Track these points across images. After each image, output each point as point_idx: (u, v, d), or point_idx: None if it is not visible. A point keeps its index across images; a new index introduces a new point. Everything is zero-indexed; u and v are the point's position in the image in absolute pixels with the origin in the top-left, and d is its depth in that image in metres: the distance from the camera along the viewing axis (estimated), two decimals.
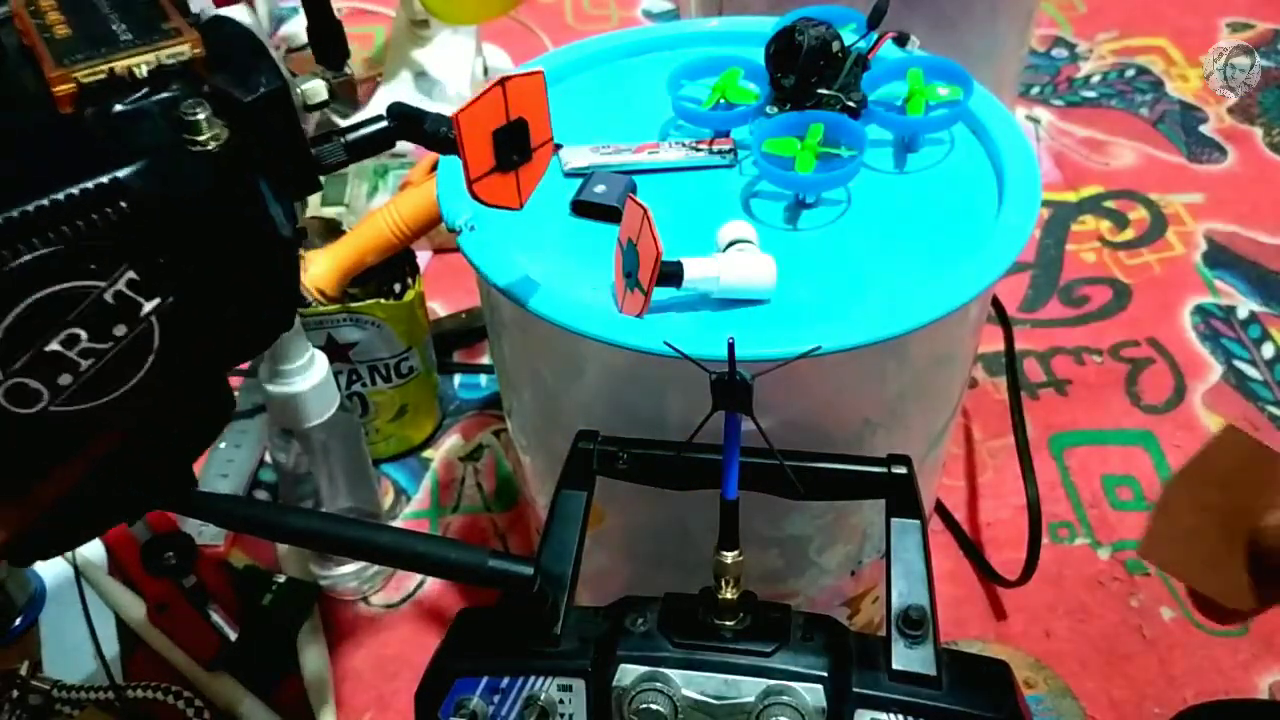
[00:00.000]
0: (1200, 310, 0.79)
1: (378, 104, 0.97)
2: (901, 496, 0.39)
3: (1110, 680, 0.58)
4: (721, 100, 0.49)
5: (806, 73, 0.47)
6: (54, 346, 0.29)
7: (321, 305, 0.63)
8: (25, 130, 0.31)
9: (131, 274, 0.29)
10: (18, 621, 0.63)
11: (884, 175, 0.48)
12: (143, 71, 0.32)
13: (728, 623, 0.37)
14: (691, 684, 0.36)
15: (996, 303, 0.71)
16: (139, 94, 0.32)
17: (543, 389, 0.48)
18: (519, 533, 0.67)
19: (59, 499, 0.32)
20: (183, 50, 0.33)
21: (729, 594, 0.37)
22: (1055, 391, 0.74)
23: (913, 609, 0.37)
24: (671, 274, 0.40)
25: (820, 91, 0.47)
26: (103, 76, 0.31)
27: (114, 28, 0.33)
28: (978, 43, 0.68)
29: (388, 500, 0.69)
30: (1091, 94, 1.02)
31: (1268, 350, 0.76)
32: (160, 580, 0.61)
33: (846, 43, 0.47)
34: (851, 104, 0.48)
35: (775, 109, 0.48)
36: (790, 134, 0.46)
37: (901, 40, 0.50)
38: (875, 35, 0.48)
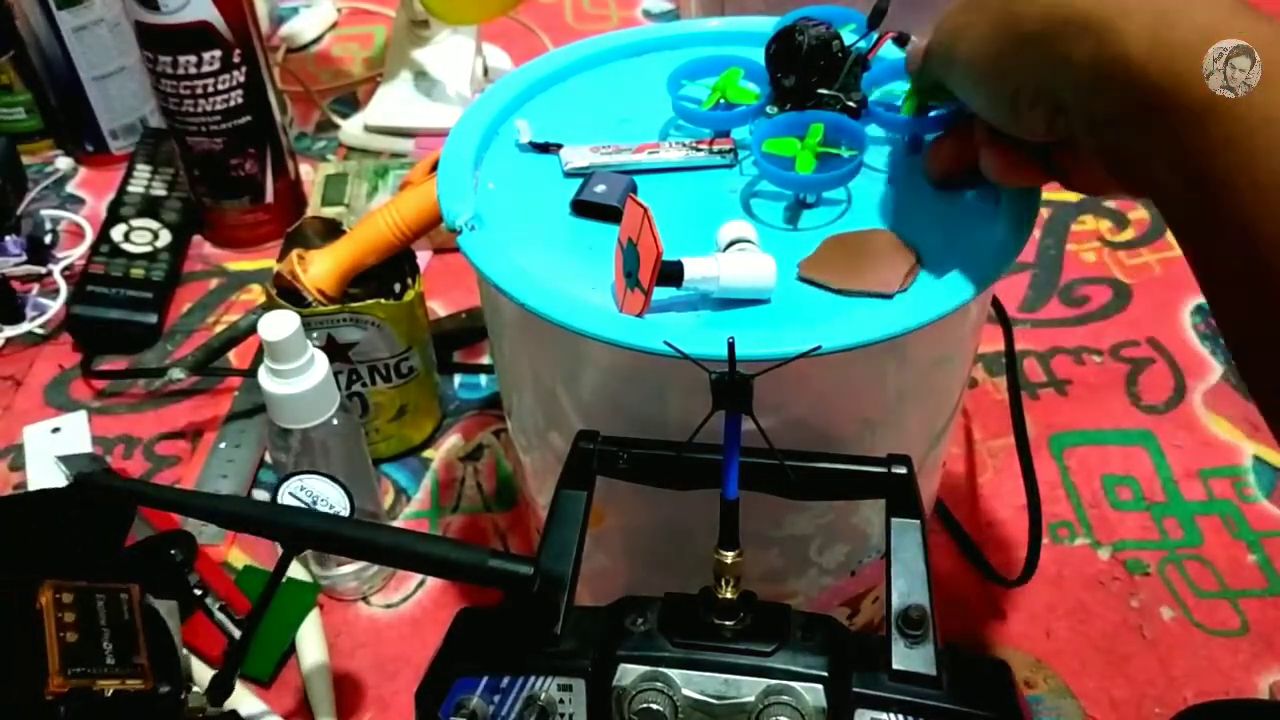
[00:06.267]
0: (1200, 310, 0.79)
1: (378, 104, 0.97)
2: (901, 496, 0.39)
3: (1110, 680, 0.58)
4: (721, 100, 0.49)
5: (806, 73, 0.47)
6: None
7: (321, 305, 0.63)
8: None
9: None
10: None
11: (884, 175, 0.48)
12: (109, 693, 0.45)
13: (728, 623, 0.37)
14: (691, 684, 0.36)
15: (996, 303, 0.71)
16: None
17: (543, 389, 0.48)
18: (519, 533, 0.67)
19: None
20: (137, 684, 0.46)
21: (729, 594, 0.37)
22: (1055, 391, 0.74)
23: (913, 609, 0.37)
24: (671, 274, 0.40)
25: (820, 91, 0.47)
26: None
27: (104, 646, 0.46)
28: None
29: (388, 500, 0.69)
30: None
31: None
32: None
33: (846, 43, 0.48)
34: (851, 104, 0.48)
35: (775, 109, 0.48)
36: (790, 134, 0.46)
37: (901, 40, 0.50)
38: (875, 35, 0.48)
